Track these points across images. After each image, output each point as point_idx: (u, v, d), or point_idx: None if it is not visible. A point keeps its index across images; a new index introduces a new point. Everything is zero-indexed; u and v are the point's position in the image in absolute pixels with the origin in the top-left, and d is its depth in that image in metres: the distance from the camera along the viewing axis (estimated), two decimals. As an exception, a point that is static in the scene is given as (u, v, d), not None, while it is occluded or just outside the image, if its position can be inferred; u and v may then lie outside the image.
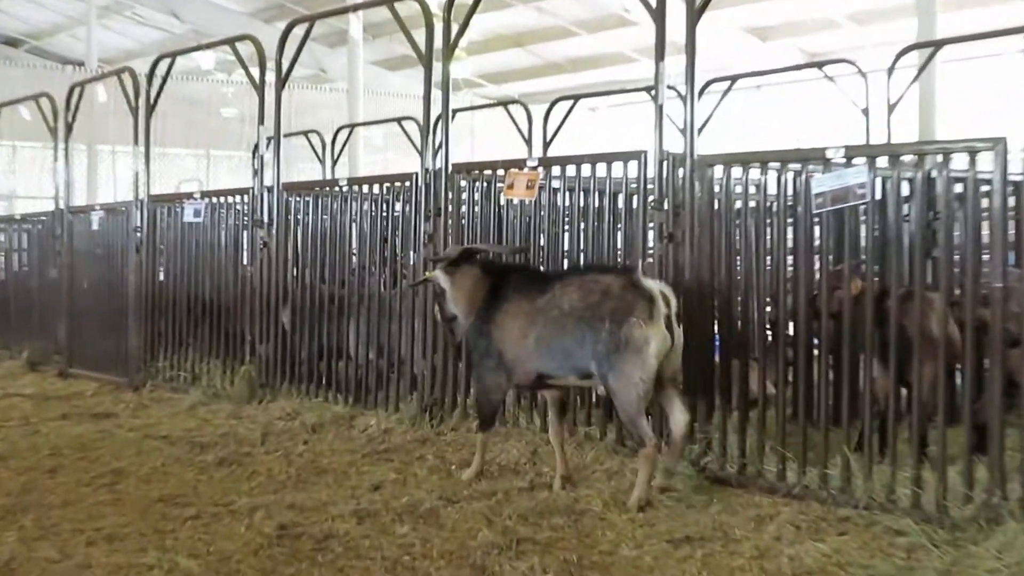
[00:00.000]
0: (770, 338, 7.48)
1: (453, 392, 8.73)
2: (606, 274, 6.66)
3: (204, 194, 11.36)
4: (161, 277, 11.72)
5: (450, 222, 8.85)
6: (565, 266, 8.17)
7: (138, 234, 11.75)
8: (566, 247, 8.38)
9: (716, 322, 7.18)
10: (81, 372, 12.48)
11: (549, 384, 6.91)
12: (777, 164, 6.87)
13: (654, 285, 6.47)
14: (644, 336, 6.30)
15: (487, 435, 7.21)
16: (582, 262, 8.13)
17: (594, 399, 7.96)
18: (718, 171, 7.11)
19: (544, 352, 6.69)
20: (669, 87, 7.50)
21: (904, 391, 6.64)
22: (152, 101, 11.64)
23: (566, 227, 8.40)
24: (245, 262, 11.06)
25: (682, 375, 6.75)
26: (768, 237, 7.54)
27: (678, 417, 6.57)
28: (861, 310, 6.33)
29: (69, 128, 13.23)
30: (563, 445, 7.00)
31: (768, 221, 7.46)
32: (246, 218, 10.87)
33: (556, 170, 8.34)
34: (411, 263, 9.07)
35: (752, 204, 8.29)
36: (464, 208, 8.90)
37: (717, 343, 7.18)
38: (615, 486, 6.67)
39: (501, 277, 7.15)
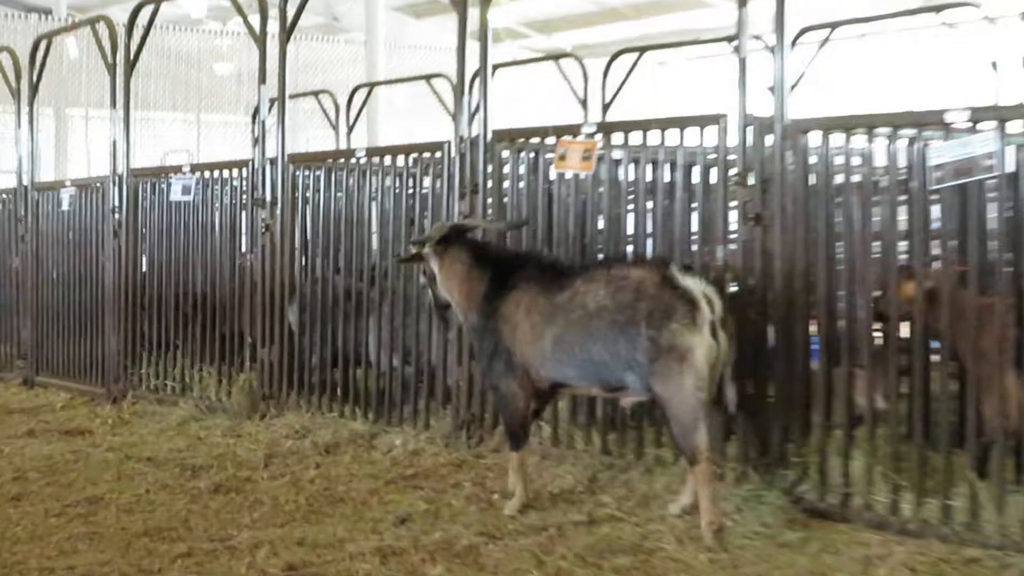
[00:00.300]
0: (879, 341, 7.44)
1: (494, 408, 8.75)
2: (636, 267, 6.71)
3: (195, 167, 11.44)
4: (144, 267, 11.81)
5: (489, 200, 8.87)
6: (628, 254, 8.17)
7: (116, 215, 11.84)
8: (629, 231, 8.37)
9: (813, 321, 7.16)
10: (50, 380, 12.63)
11: (563, 393, 7.13)
12: (887, 130, 6.84)
13: (695, 284, 6.46)
14: (688, 344, 6.34)
15: (522, 454, 7.22)
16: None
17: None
18: (814, 138, 7.09)
19: (563, 358, 6.77)
20: (755, 36, 7.51)
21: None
22: (132, 56, 11.70)
23: (629, 207, 8.40)
24: (244, 249, 11.12)
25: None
26: (876, 218, 7.50)
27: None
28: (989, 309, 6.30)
29: (34, 88, 13.30)
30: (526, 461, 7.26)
31: (876, 199, 7.42)
32: (245, 196, 10.94)
33: (617, 138, 8.34)
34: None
35: (856, 178, 8.25)
36: (506, 184, 8.92)
37: (815, 347, 7.16)
38: (691, 520, 6.65)
39: (509, 263, 7.26)
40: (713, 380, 6.50)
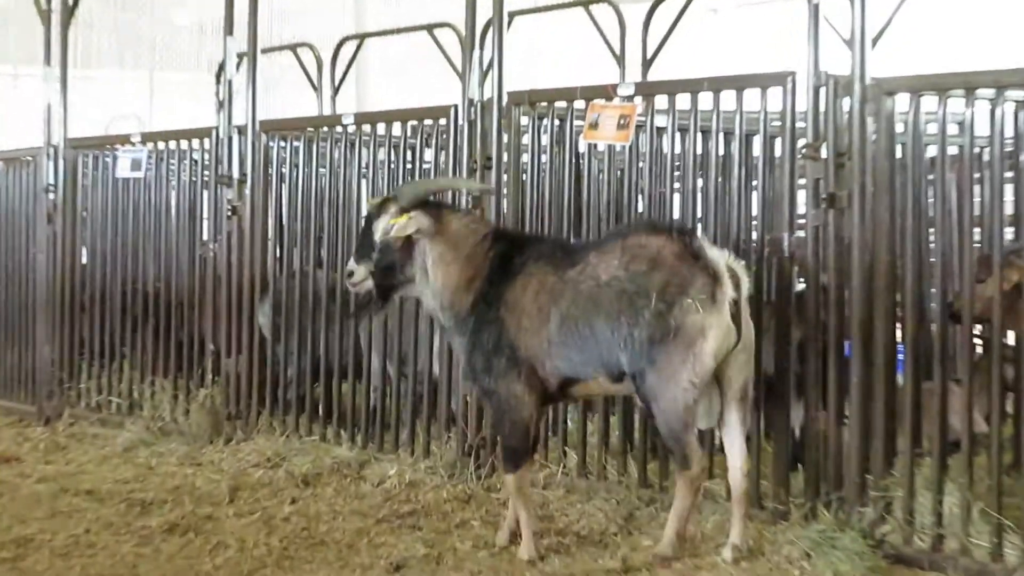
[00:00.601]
0: (980, 350, 7.43)
1: (493, 417, 8.76)
2: (655, 235, 6.75)
3: (146, 137, 11.48)
4: (84, 259, 11.85)
5: (505, 177, 8.87)
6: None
7: (51, 196, 11.90)
8: (676, 212, 8.36)
9: (898, 325, 7.15)
10: (-31, 397, 12.67)
11: (572, 394, 7.18)
12: (990, 91, 6.81)
13: (719, 256, 6.55)
14: (700, 325, 6.45)
15: (521, 476, 7.18)
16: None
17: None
18: (902, 102, 7.08)
19: (568, 341, 6.85)
20: (830, -23, 7.48)
21: None
22: (71, 1, 11.75)
23: (676, 184, 8.39)
24: (206, 237, 11.14)
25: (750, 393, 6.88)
26: (977, 199, 7.49)
27: (735, 462, 6.81)
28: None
29: (-49, 42, 13.40)
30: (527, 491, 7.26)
31: (977, 175, 7.41)
32: (207, 172, 10.97)
33: (661, 101, 8.34)
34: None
35: (953, 150, 8.24)
36: (526, 157, 8.92)
37: (900, 357, 7.14)
38: (749, 568, 6.67)
39: (518, 242, 7.33)
40: (737, 377, 6.71)
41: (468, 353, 7.28)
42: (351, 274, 7.45)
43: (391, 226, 7.22)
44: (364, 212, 7.27)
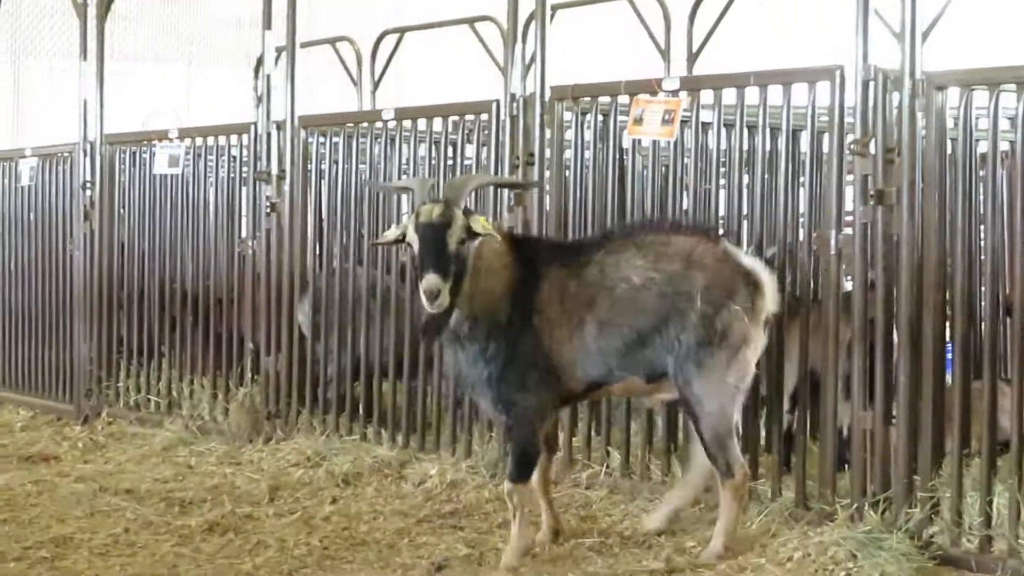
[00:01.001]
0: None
1: (553, 428, 8.79)
2: (678, 234, 6.91)
3: (184, 133, 11.55)
4: (123, 257, 11.92)
5: (548, 174, 8.91)
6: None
7: (87, 192, 11.99)
8: (721, 210, 8.40)
9: (948, 324, 7.17)
10: (6, 395, 12.84)
11: (593, 397, 7.43)
12: (1043, 86, 6.83)
13: (755, 264, 6.63)
14: (744, 332, 6.58)
15: (524, 489, 7.11)
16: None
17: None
18: (953, 96, 7.09)
19: (608, 347, 6.91)
20: (879, -31, 7.49)
21: None
22: (108, -5, 11.86)
23: (722, 182, 8.42)
24: (244, 234, 11.21)
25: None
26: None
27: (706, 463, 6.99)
28: None
29: (-12, 37, 13.49)
30: (550, 488, 7.38)
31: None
32: (245, 168, 11.04)
33: (707, 96, 8.36)
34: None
35: (1004, 146, 8.24)
36: (569, 153, 8.96)
37: (949, 355, 7.16)
38: (795, 570, 6.69)
39: (535, 246, 7.42)
40: None
41: (503, 362, 7.00)
42: (437, 294, 6.67)
43: (474, 230, 6.80)
44: (424, 219, 6.69)
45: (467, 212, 6.91)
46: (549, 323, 6.96)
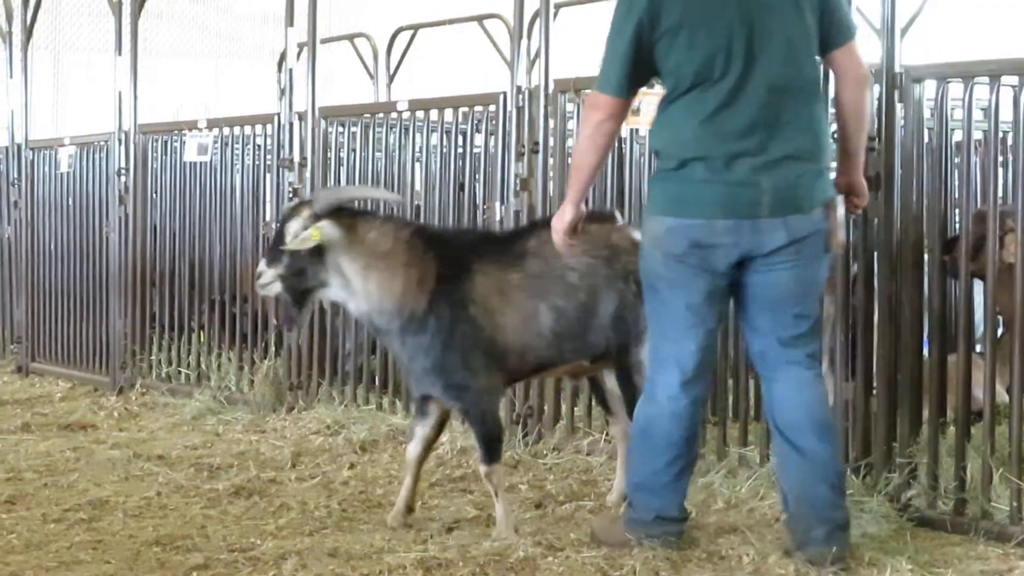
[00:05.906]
0: (1002, 324, 7.44)
1: (556, 399, 8.81)
2: (593, 222, 6.95)
3: (212, 123, 11.58)
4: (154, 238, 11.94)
5: (551, 161, 8.90)
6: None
7: (122, 178, 11.98)
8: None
9: (925, 300, 7.17)
10: (47, 368, 12.86)
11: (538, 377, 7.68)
12: (1014, 79, 6.82)
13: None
14: None
15: (499, 467, 7.04)
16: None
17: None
18: (930, 88, 7.09)
19: (564, 332, 6.96)
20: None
21: None
22: (141, -6, 11.85)
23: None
24: (268, 217, 11.22)
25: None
26: (1001, 181, 7.48)
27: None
28: None
29: (28, 32, 13.42)
30: (422, 465, 7.36)
31: (1001, 159, 7.41)
32: (269, 156, 11.06)
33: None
34: (497, 217, 9.14)
35: (978, 135, 8.22)
36: (571, 142, 8.95)
37: (926, 330, 7.17)
38: (780, 530, 6.69)
39: (452, 241, 7.38)
40: None
41: (435, 352, 6.94)
42: (259, 275, 7.19)
43: (297, 237, 6.92)
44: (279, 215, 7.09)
45: (340, 218, 6.94)
46: (489, 312, 6.91)
